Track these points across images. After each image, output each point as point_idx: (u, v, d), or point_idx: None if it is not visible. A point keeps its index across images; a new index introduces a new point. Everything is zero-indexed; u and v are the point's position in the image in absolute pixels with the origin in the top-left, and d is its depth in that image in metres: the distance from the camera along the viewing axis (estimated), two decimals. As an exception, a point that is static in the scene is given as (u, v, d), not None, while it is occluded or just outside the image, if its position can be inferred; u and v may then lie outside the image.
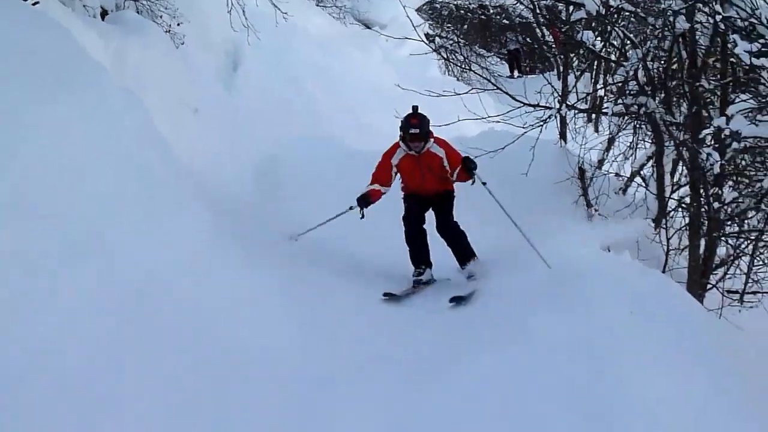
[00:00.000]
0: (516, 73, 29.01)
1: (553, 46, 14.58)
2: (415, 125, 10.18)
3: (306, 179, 12.57)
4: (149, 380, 5.91)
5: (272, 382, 6.55)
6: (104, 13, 13.15)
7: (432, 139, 10.32)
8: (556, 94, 13.01)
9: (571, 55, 14.22)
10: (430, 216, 10.60)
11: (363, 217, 10.05)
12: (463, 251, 10.37)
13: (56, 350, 5.58)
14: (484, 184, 9.80)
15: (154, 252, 7.07)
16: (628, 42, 12.75)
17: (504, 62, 30.98)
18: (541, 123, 11.98)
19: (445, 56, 25.38)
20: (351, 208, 10.25)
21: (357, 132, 16.15)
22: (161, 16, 13.63)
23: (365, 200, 10.23)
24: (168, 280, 6.95)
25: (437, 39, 27.28)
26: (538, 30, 26.70)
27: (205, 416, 5.91)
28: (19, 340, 5.45)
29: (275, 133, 14.18)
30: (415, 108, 10.38)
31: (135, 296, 6.48)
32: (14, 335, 5.45)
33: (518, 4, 20.21)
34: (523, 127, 11.79)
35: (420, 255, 10.44)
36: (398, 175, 10.61)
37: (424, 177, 10.44)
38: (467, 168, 9.82)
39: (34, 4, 10.27)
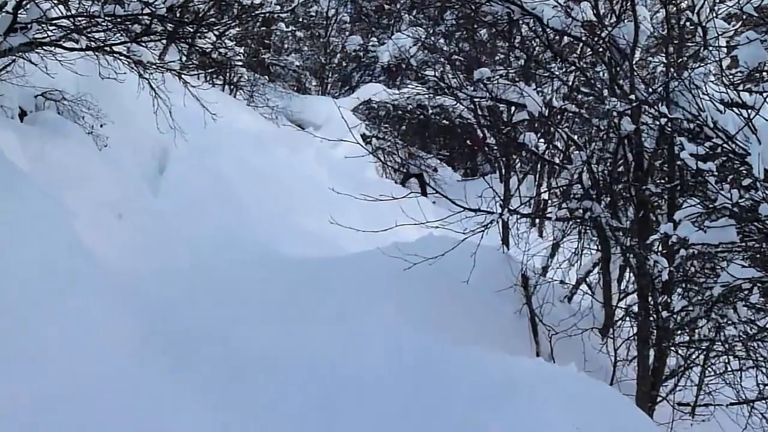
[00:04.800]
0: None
1: (495, 148, 14.74)
2: None
3: (235, 286, 12.46)
4: None
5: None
6: (23, 114, 13.10)
7: None
8: (497, 198, 13.09)
9: (514, 157, 14.41)
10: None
11: None
12: None
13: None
14: None
15: (78, 366, 6.94)
16: (572, 144, 12.96)
17: (444, 165, 31.26)
18: (482, 228, 12.02)
19: (383, 158, 25.61)
20: None
21: (289, 236, 16.11)
22: (83, 117, 13.60)
23: None
24: (92, 398, 6.80)
25: (374, 140, 27.52)
26: (479, 131, 27.09)
27: None
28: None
29: (203, 237, 14.11)
30: None
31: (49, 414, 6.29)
32: None
33: (458, 105, 20.47)
34: (463, 233, 11.83)
35: None
36: None
37: None
38: None
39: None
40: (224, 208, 16.06)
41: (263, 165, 19.35)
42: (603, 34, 11.83)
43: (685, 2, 11.88)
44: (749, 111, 7.00)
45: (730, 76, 10.18)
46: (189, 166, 16.42)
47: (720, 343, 11.12)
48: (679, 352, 11.56)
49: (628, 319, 12.47)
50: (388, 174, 27.43)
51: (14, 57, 10.88)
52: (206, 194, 16.11)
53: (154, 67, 13.25)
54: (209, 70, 21.74)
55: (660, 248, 10.90)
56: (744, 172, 7.45)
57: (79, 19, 11.66)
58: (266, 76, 27.39)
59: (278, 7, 25.50)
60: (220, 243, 13.89)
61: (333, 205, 14.65)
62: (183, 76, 14.01)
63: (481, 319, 11.78)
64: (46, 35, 11.17)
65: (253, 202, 17.30)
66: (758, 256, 8.12)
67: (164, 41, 15.82)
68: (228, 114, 18.17)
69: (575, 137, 12.92)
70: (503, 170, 14.28)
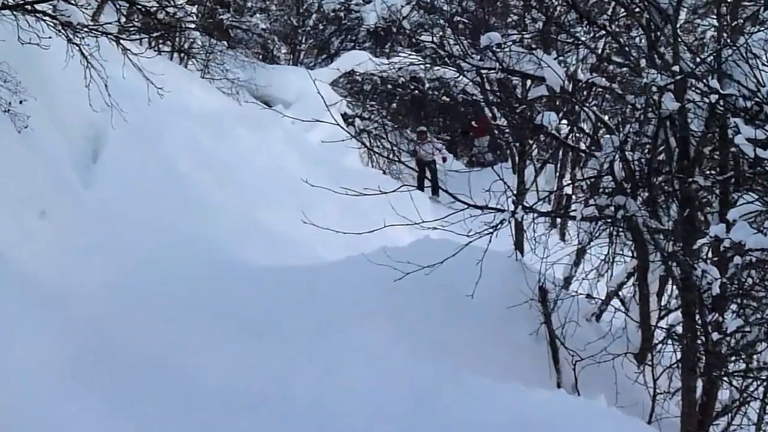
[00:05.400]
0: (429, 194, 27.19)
1: (507, 131, 14.75)
2: None
3: (186, 300, 12.39)
4: None
5: None
6: (-77, 86, 13.04)
7: None
8: (509, 193, 13.08)
9: (529, 142, 14.42)
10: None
11: None
12: None
13: None
14: None
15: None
16: (602, 126, 12.96)
17: (444, 151, 31.24)
18: (491, 230, 12.04)
19: (368, 144, 25.61)
20: None
21: (252, 238, 16.11)
22: (-2, 91, 13.58)
23: None
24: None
25: (357, 121, 27.56)
26: (487, 110, 27.09)
27: None
28: None
29: (146, 239, 14.07)
30: None
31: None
32: None
33: (461, 78, 20.51)
34: (468, 235, 11.84)
35: None
36: None
37: None
38: None
39: None
40: (172, 203, 16.04)
41: (221, 151, 19.34)
42: (640, -9, 11.86)
43: (742, -49, 11.91)
44: (821, 86, 7.02)
45: (797, 43, 10.19)
46: (129, 152, 16.39)
47: (784, 372, 11.15)
48: (734, 383, 11.57)
49: (670, 342, 12.48)
50: (375, 162, 27.46)
51: None
52: (150, 187, 16.07)
53: (86, 30, 13.22)
54: (154, 35, 21.71)
55: (710, 255, 10.92)
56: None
57: (-7, -31, 11.64)
58: (225, 42, 27.36)
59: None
60: (168, 246, 13.86)
61: (306, 201, 14.65)
62: (122, 41, 13.97)
63: (489, 342, 11.78)
64: (-50, -10, 11.12)
65: (209, 196, 17.30)
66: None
67: (99, -2, 15.77)
68: (178, 88, 18.16)
69: (605, 118, 12.93)
70: (517, 158, 14.30)
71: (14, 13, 12.00)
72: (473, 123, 30.02)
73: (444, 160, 28.34)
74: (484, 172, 18.65)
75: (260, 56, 29.26)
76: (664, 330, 12.70)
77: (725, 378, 11.45)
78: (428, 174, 27.48)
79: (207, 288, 12.39)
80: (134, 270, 12.84)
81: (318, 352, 9.60)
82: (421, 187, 25.92)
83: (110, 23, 15.65)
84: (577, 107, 13.12)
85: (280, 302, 11.74)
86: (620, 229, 12.90)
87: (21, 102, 13.58)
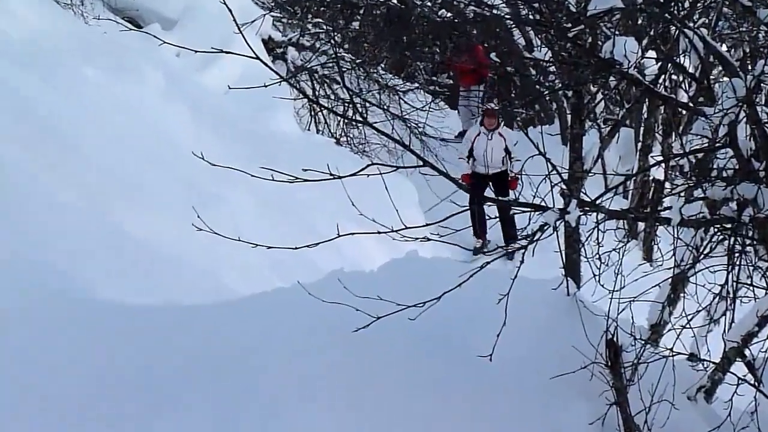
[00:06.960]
0: (486, 244, 25.29)
1: (552, 71, 14.81)
2: None
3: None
4: None
5: None
6: None
7: None
8: (555, 178, 13.02)
9: (592, 89, 14.48)
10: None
11: None
12: None
13: None
14: None
15: None
16: (715, 62, 13.00)
17: (440, 105, 31.21)
18: (526, 242, 12.04)
19: (310, 92, 25.66)
20: None
21: (110, 257, 16.09)
22: None
23: None
24: None
25: (292, 52, 27.61)
26: (521, 36, 27.15)
27: None
28: None
29: None
30: None
31: None
32: None
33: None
34: (484, 252, 11.83)
35: None
36: None
37: None
38: None
39: None
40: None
41: (55, 107, 19.33)
42: None
43: None
44: None
45: None
46: None
47: None
48: None
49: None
50: (323, 125, 27.55)
51: None
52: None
53: None
54: None
55: None
56: None
57: None
58: None
59: None
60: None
61: (203, 192, 14.73)
62: None
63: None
64: None
65: (33, 186, 17.27)
66: None
67: None
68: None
69: (722, 48, 12.97)
70: (569, 118, 14.39)
71: None
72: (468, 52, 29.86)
73: (460, 135, 28.33)
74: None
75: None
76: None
77: None
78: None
79: (34, 347, 12.37)
80: None
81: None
82: (480, 228, 23.99)
83: None
84: (672, 29, 13.15)
85: (161, 370, 11.68)
86: (747, 242, 12.92)
87: None
